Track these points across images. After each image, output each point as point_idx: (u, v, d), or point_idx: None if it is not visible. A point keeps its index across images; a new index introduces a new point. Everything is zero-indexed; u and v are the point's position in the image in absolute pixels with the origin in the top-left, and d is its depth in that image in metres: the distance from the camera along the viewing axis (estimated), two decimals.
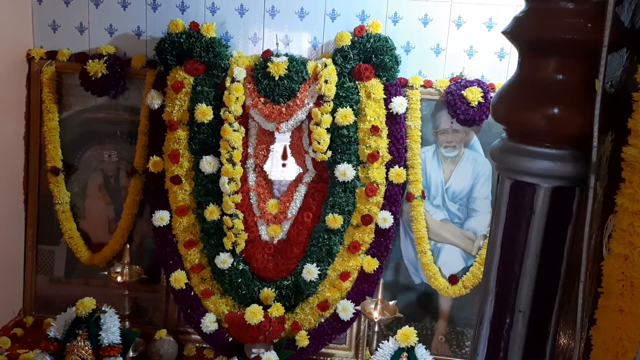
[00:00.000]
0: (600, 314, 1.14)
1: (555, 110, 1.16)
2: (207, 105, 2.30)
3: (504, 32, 1.23)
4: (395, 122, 2.33)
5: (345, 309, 2.35)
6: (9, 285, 2.57)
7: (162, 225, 2.41)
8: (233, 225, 2.34)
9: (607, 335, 1.11)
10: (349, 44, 2.28)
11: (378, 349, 2.15)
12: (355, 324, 2.47)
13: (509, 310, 1.27)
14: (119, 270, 2.40)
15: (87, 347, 2.10)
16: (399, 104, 2.29)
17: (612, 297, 1.10)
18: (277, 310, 2.31)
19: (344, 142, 2.29)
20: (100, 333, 2.11)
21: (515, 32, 1.21)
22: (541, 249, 1.23)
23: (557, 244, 1.23)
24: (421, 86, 2.35)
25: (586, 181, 1.16)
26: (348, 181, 2.30)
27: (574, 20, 1.12)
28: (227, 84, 2.28)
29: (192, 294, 2.43)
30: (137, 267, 2.45)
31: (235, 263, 2.38)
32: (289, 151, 2.45)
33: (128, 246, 2.44)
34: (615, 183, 1.11)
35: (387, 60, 2.27)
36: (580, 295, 1.17)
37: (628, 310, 1.07)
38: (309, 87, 2.28)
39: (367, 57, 2.28)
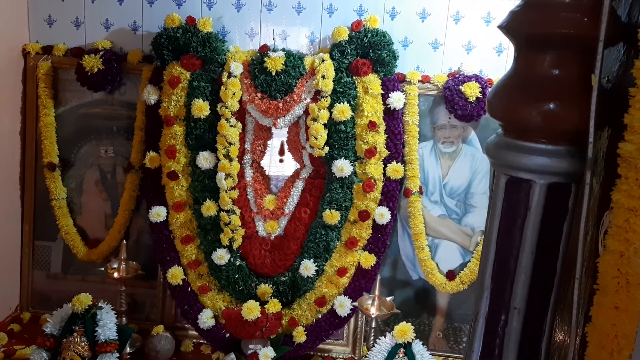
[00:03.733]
0: (596, 310, 1.13)
1: (551, 106, 1.14)
2: (204, 101, 2.30)
3: (500, 27, 1.22)
4: (392, 117, 2.32)
5: (343, 305, 2.35)
6: (6, 281, 2.56)
7: (158, 221, 2.40)
8: (230, 221, 2.33)
9: (602, 332, 1.11)
10: (347, 38, 2.27)
11: (375, 344, 2.15)
12: (352, 320, 2.46)
13: (504, 307, 1.27)
14: (115, 266, 2.40)
15: (83, 343, 2.09)
16: (396, 100, 2.29)
17: (607, 294, 1.09)
18: (274, 306, 2.30)
19: (341, 138, 2.28)
20: (96, 329, 2.11)
21: (511, 27, 1.20)
22: (537, 246, 1.22)
23: (552, 240, 1.22)
24: (419, 81, 2.34)
25: (582, 177, 1.15)
26: (345, 177, 2.30)
27: (570, 15, 1.11)
28: (224, 79, 2.28)
29: (189, 290, 2.42)
30: (134, 263, 2.44)
31: (232, 259, 2.37)
32: (286, 147, 2.44)
33: (125, 242, 2.43)
34: (612, 179, 1.10)
35: (385, 55, 2.26)
36: (575, 292, 1.16)
37: (623, 307, 1.06)
38: (306, 82, 2.27)
39: (365, 52, 2.27)
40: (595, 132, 1.11)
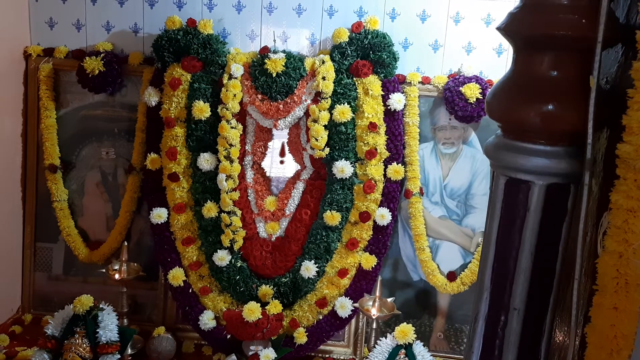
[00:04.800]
0: (595, 311, 1.13)
1: (550, 107, 1.15)
2: (205, 102, 2.30)
3: (499, 28, 1.23)
4: (393, 118, 2.32)
5: (344, 306, 2.35)
6: (8, 282, 2.57)
7: (160, 223, 2.40)
8: (231, 223, 2.33)
9: (601, 332, 1.11)
10: (347, 40, 2.28)
11: (376, 346, 2.15)
12: (353, 321, 2.46)
13: (504, 307, 1.27)
14: (117, 267, 2.40)
15: (84, 345, 2.10)
16: (396, 101, 2.29)
17: (606, 295, 1.09)
18: (275, 307, 2.31)
19: (341, 139, 2.28)
20: (98, 330, 2.12)
21: (510, 28, 1.20)
22: (536, 246, 1.22)
23: (551, 241, 1.22)
24: (419, 82, 2.34)
25: (581, 178, 1.15)
26: (346, 178, 2.30)
27: (569, 16, 1.11)
28: (225, 81, 2.28)
29: (190, 291, 2.43)
30: (135, 264, 2.45)
31: (233, 260, 2.38)
32: (286, 148, 2.44)
33: (126, 243, 2.44)
34: (611, 180, 1.10)
35: (385, 57, 2.26)
36: (574, 293, 1.17)
37: (622, 307, 1.06)
38: (307, 83, 2.28)
39: (365, 53, 2.28)
40: (594, 133, 1.12)
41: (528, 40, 1.18)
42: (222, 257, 2.36)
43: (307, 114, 2.30)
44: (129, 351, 2.33)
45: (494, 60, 2.34)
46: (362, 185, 2.31)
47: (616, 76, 1.20)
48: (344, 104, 2.25)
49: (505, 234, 1.25)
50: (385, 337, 2.14)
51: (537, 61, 1.17)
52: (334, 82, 2.25)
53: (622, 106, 1.06)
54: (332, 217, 2.31)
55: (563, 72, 1.16)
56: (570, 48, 1.14)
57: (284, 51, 2.32)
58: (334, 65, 2.26)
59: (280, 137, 2.43)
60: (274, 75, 2.24)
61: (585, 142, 1.12)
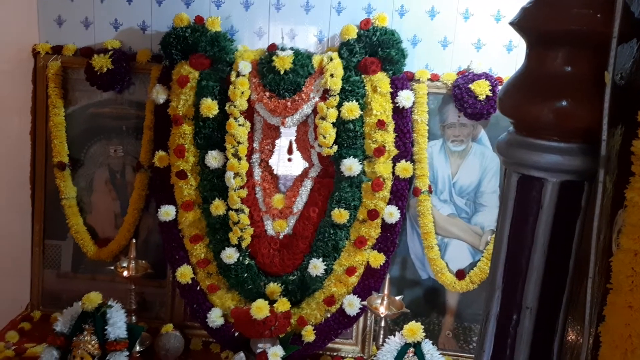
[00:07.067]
0: (609, 310, 1.12)
1: (564, 103, 1.13)
2: (213, 100, 2.29)
3: (512, 23, 1.21)
4: (401, 116, 2.31)
5: (352, 304, 2.34)
6: (17, 280, 2.58)
7: (168, 220, 2.40)
8: (239, 220, 2.33)
9: (616, 332, 1.10)
10: (355, 37, 2.26)
11: (384, 344, 2.14)
12: (361, 319, 2.46)
13: (516, 306, 1.26)
14: (125, 265, 2.41)
15: (93, 342, 2.10)
16: (405, 98, 2.28)
17: (621, 294, 1.08)
18: (283, 305, 2.30)
19: (350, 137, 2.27)
20: (106, 327, 2.11)
21: (523, 24, 1.19)
22: (549, 244, 1.21)
23: (565, 239, 1.21)
24: (428, 80, 2.33)
25: (595, 175, 1.14)
26: (354, 176, 2.29)
27: (583, 11, 1.10)
28: (233, 78, 2.27)
29: (198, 288, 2.43)
30: (143, 261, 2.45)
31: (241, 258, 2.37)
32: (294, 146, 2.43)
33: (134, 241, 2.44)
34: (625, 177, 1.09)
35: (394, 54, 2.25)
36: (588, 292, 1.15)
37: (637, 306, 1.05)
38: (315, 81, 2.27)
39: (373, 50, 2.26)
40: (609, 129, 1.10)
41: (542, 35, 1.16)
42: (230, 255, 2.36)
43: (315, 111, 2.29)
44: (137, 348, 2.33)
45: (503, 57, 2.32)
46: (370, 183, 2.30)
47: (631, 72, 1.18)
48: (352, 101, 2.24)
49: (517, 231, 1.24)
50: (394, 336, 2.13)
51: (551, 57, 1.16)
52: (342, 80, 2.24)
53: (637, 102, 1.05)
54: (340, 215, 2.30)
55: (577, 67, 1.14)
56: (585, 43, 1.12)
57: (291, 48, 2.31)
58: (342, 63, 2.25)
59: (288, 135, 2.42)
60: (282, 72, 2.23)
61: (599, 139, 1.11)
